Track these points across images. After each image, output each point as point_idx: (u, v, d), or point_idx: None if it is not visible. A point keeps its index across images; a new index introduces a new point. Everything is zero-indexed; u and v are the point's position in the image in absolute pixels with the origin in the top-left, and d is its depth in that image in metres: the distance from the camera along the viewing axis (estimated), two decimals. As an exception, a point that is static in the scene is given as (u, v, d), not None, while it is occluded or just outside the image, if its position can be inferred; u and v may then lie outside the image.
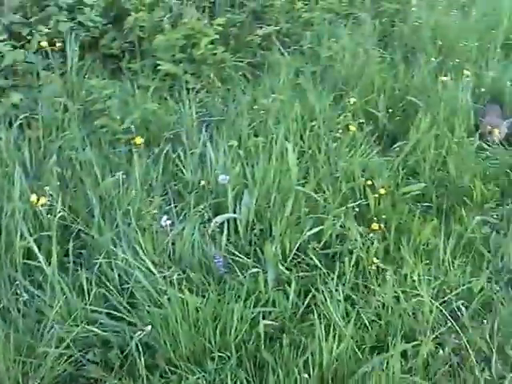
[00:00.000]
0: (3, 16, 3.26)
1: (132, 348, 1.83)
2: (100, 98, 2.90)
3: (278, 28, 3.88)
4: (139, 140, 2.58)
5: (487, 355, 1.93)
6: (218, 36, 3.53)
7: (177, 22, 3.55)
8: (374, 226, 2.29)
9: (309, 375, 1.78)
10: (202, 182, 2.50)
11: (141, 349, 1.82)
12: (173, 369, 1.83)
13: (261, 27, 3.86)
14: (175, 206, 2.40)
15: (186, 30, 3.46)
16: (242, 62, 3.64)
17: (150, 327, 1.86)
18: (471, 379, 1.87)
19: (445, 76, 3.23)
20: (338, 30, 3.88)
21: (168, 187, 2.54)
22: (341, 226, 2.33)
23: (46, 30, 3.18)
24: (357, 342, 1.90)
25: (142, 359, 1.79)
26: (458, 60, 3.47)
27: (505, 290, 2.17)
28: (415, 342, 1.91)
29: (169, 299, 1.94)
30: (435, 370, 1.88)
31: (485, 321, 2.02)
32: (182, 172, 2.63)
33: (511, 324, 2.00)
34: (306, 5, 4.17)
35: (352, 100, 3.01)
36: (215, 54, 3.50)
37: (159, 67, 3.30)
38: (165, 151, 2.67)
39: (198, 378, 1.79)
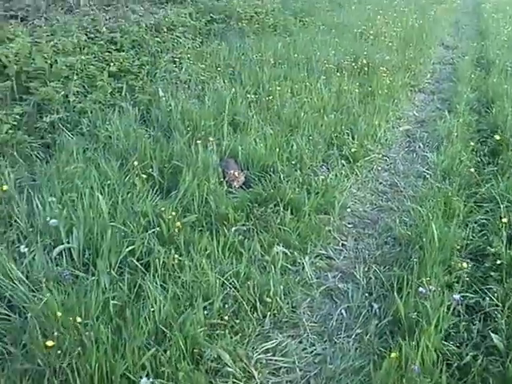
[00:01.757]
0: None
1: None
2: None
3: (59, 116, 5.01)
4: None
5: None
6: (15, 123, 4.57)
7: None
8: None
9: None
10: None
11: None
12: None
13: (46, 115, 4.94)
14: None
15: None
16: (35, 143, 4.69)
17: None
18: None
19: (196, 142, 4.70)
20: (109, 116, 5.17)
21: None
22: (148, 245, 3.54)
23: None
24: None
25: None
26: (202, 133, 4.99)
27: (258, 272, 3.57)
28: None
29: (40, 299, 2.92)
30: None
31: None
32: (17, 222, 3.59)
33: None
34: (78, 97, 5.39)
35: (135, 163, 4.28)
36: (15, 136, 4.52)
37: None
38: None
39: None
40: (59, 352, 2.56)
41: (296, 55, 7.88)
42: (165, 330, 2.83)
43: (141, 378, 2.55)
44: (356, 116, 6.03)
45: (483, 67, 8.80)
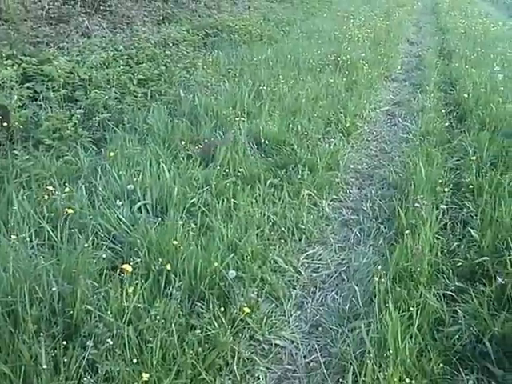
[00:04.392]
0: None
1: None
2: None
3: (106, 116, 5.98)
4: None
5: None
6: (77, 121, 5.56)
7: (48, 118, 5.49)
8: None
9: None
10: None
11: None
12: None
13: (94, 116, 5.91)
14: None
15: (55, 122, 5.43)
16: (90, 137, 5.66)
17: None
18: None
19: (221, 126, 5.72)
20: (144, 113, 6.16)
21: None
22: (204, 199, 4.53)
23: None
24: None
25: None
26: (225, 120, 6.00)
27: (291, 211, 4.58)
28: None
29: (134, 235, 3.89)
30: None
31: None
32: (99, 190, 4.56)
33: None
34: (115, 101, 6.38)
35: (182, 143, 5.28)
36: (76, 132, 5.50)
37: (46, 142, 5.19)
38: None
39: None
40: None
41: (285, 58, 8.94)
42: (237, 241, 3.82)
43: (229, 271, 3.52)
44: (345, 101, 7.08)
45: (445, 56, 9.99)
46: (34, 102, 5.90)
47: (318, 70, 8.31)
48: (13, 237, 3.51)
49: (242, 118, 6.08)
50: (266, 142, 5.70)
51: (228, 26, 10.50)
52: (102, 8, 10.31)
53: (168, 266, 3.41)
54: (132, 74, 7.13)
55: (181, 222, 3.98)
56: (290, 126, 6.06)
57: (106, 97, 6.16)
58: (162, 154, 5.20)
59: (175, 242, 3.68)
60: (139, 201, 4.41)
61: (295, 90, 7.35)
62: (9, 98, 5.58)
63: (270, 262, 3.81)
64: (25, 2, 8.95)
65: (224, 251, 3.76)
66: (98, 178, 4.68)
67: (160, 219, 4.20)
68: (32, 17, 8.75)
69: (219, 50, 9.30)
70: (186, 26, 10.24)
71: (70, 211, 3.85)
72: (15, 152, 4.96)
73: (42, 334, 2.82)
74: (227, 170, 5.02)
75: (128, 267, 3.18)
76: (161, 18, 10.69)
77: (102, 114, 6.01)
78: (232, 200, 4.48)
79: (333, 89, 7.55)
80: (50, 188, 4.24)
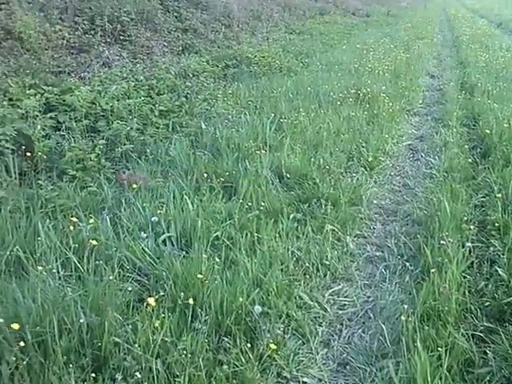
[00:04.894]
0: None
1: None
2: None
3: (127, 147, 6.14)
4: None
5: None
6: (100, 152, 5.71)
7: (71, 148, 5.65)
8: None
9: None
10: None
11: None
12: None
13: (117, 147, 6.07)
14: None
15: (78, 152, 5.59)
16: (113, 169, 5.81)
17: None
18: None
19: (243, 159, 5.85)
20: (166, 145, 6.31)
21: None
22: (228, 232, 4.63)
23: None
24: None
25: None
26: (246, 153, 6.13)
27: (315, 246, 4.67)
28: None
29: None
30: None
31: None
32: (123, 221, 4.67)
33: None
34: (137, 132, 6.54)
35: (204, 176, 5.40)
36: (99, 163, 5.65)
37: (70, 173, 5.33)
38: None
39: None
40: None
41: (305, 90, 9.12)
42: (262, 276, 3.90)
43: (254, 306, 3.60)
44: (366, 134, 7.21)
45: (467, 90, 10.12)
46: (57, 132, 6.09)
47: (339, 102, 8.45)
48: (40, 268, 3.61)
49: (264, 151, 6.18)
50: (288, 175, 5.80)
51: (247, 57, 10.74)
52: (121, 38, 10.58)
53: (191, 301, 3.47)
54: (153, 105, 7.31)
55: (205, 256, 4.06)
56: (312, 159, 6.17)
57: (128, 128, 6.31)
58: (185, 186, 5.31)
59: (200, 276, 3.76)
60: (163, 233, 4.51)
61: (316, 122, 7.48)
62: (32, 128, 5.76)
63: (295, 297, 3.88)
64: (46, 31, 9.17)
65: (249, 286, 3.84)
66: (123, 210, 4.79)
67: (185, 252, 4.29)
68: (53, 46, 9.00)
69: (239, 82, 9.52)
70: (206, 56, 10.49)
71: (95, 242, 3.94)
72: (39, 182, 5.11)
73: (71, 365, 2.92)
74: (250, 204, 5.10)
75: (152, 301, 3.26)
76: (180, 48, 10.96)
77: (125, 145, 6.17)
78: (256, 234, 4.56)
79: (354, 122, 7.67)
80: (75, 219, 4.32)
